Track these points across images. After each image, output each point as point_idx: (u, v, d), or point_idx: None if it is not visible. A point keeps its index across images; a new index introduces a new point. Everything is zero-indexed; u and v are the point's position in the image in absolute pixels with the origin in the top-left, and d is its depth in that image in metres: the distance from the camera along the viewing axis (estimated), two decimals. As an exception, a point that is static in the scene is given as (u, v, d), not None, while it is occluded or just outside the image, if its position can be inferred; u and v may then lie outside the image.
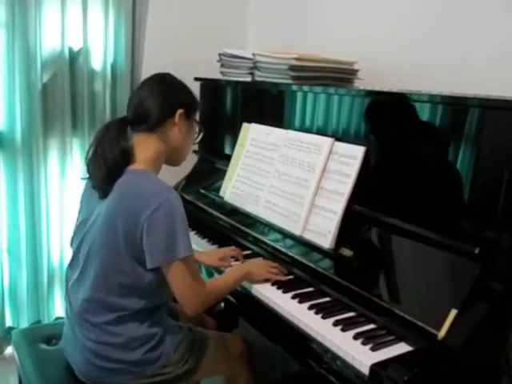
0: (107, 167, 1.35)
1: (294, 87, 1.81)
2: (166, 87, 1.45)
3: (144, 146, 1.41)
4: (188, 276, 1.33)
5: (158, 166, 1.46)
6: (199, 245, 1.89)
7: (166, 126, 1.43)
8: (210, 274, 1.73)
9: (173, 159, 1.51)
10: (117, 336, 1.36)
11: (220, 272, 1.68)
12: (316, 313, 1.36)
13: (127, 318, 1.36)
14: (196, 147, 2.35)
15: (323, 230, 1.54)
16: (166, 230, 1.28)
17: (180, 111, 1.43)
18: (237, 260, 1.72)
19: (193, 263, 1.36)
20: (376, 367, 1.11)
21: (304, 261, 1.56)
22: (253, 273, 1.54)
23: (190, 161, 2.33)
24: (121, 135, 1.39)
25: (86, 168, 1.42)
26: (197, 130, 1.55)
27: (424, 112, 1.39)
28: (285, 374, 2.13)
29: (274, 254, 1.67)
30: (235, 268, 1.60)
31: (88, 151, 1.42)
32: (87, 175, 1.42)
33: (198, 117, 1.57)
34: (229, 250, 1.75)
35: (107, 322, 1.36)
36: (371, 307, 1.31)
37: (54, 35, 2.28)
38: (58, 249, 2.48)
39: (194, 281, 1.35)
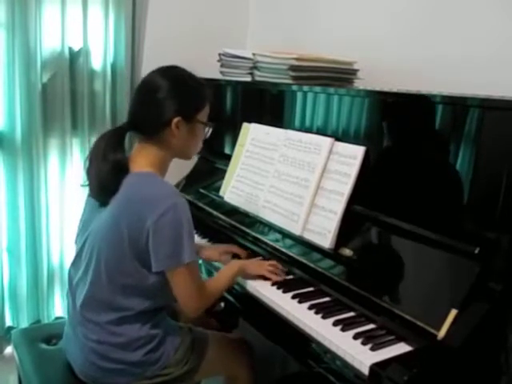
0: (100, 182, 1.35)
1: (294, 87, 1.81)
2: (156, 95, 1.35)
3: (145, 153, 1.39)
4: (191, 281, 1.34)
5: (164, 169, 1.43)
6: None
7: (164, 135, 1.37)
8: (210, 274, 1.73)
9: (182, 157, 1.47)
10: (118, 336, 1.36)
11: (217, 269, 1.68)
12: (316, 313, 1.36)
13: (130, 318, 1.36)
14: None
15: (323, 229, 1.54)
16: (171, 235, 1.28)
17: (176, 120, 1.35)
18: (239, 258, 1.72)
19: (196, 268, 1.37)
20: (376, 367, 1.11)
21: (304, 261, 1.56)
22: (247, 267, 1.54)
23: (190, 161, 2.32)
24: (111, 148, 1.35)
25: (85, 176, 1.41)
26: (205, 129, 1.45)
27: (424, 112, 1.39)
28: (285, 374, 2.13)
29: (273, 254, 1.67)
30: (229, 264, 1.59)
31: (86, 160, 1.41)
32: (87, 182, 1.41)
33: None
34: (231, 247, 1.76)
35: (110, 322, 1.36)
36: (371, 307, 1.31)
37: (54, 35, 2.28)
38: (58, 248, 2.48)
39: (196, 285, 1.36)
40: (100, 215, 1.38)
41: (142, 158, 1.38)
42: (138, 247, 1.30)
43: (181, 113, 1.36)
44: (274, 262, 1.59)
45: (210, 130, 1.48)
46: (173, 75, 1.40)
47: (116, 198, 1.34)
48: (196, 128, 1.42)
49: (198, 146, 1.49)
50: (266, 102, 2.00)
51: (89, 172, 1.39)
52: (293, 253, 1.60)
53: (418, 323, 1.18)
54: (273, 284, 1.53)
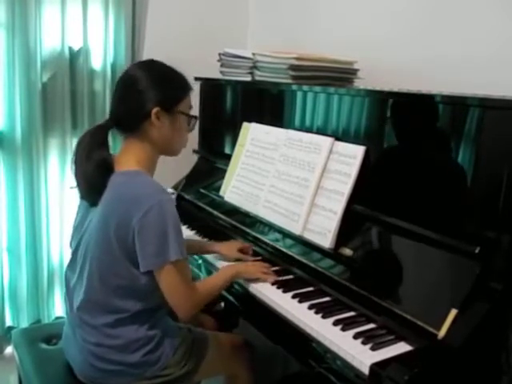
0: (88, 182, 1.34)
1: (294, 87, 1.81)
2: (135, 87, 1.34)
3: (131, 151, 1.38)
4: (179, 280, 1.31)
5: (152, 166, 1.42)
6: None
7: (144, 128, 1.35)
8: (210, 274, 1.72)
9: (168, 152, 1.44)
10: (116, 338, 1.36)
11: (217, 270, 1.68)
12: (316, 312, 1.36)
13: (126, 320, 1.36)
14: (196, 147, 2.36)
15: (323, 229, 1.54)
16: (157, 233, 1.27)
17: (155, 110, 1.33)
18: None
19: (185, 267, 1.34)
20: (376, 367, 1.11)
21: (304, 260, 1.56)
22: (242, 272, 1.53)
23: (190, 161, 2.33)
24: (95, 146, 1.34)
25: (73, 178, 1.40)
26: (190, 122, 1.44)
27: (424, 111, 1.39)
28: (285, 374, 2.13)
29: (273, 254, 1.67)
30: (225, 268, 1.57)
31: (71, 163, 1.40)
32: (75, 185, 1.40)
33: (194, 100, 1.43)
34: (246, 245, 1.74)
35: (106, 324, 1.36)
36: (371, 307, 1.31)
37: (54, 35, 2.29)
38: (58, 248, 2.49)
39: (185, 285, 1.33)
40: (91, 216, 1.37)
41: (129, 156, 1.37)
42: (127, 247, 1.29)
43: (160, 103, 1.34)
44: (266, 265, 1.59)
45: (195, 123, 1.46)
46: (151, 67, 1.40)
47: (105, 197, 1.33)
48: (178, 120, 1.40)
49: (183, 139, 1.45)
50: (266, 102, 2.00)
51: (76, 173, 1.38)
52: (293, 252, 1.60)
53: (419, 323, 1.18)
54: (273, 284, 1.52)
